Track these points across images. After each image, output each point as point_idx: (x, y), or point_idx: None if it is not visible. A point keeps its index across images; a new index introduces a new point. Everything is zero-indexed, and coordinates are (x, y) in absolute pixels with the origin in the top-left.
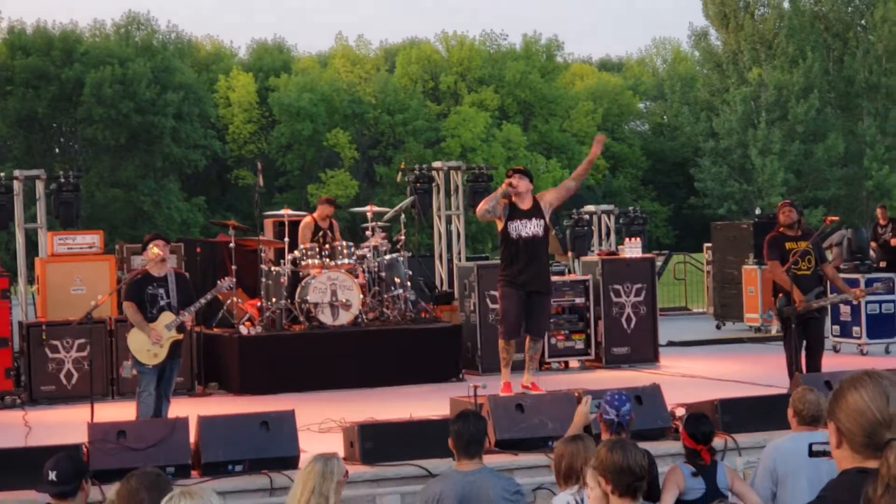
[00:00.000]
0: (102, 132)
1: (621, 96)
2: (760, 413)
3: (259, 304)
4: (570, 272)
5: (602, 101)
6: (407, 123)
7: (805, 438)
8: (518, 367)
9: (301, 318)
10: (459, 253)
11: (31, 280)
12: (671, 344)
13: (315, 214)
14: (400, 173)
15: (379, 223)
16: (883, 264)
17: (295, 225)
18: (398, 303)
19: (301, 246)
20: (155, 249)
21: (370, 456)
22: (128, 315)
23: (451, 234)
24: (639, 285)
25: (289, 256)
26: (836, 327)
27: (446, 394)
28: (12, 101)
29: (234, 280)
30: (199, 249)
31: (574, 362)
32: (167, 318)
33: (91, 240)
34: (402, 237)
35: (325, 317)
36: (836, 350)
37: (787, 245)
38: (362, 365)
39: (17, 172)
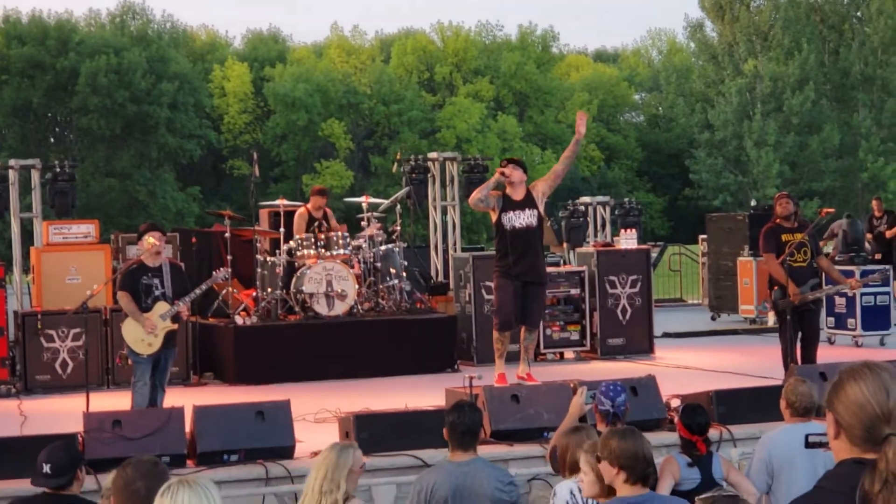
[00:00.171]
0: (98, 122)
1: (617, 87)
2: (756, 404)
3: (254, 294)
4: (565, 263)
5: (597, 93)
6: (402, 114)
7: (799, 430)
8: (512, 358)
9: (296, 309)
10: (455, 243)
11: (26, 269)
12: (666, 335)
13: (308, 206)
14: (396, 164)
15: (374, 214)
16: (878, 256)
17: (290, 215)
18: (393, 293)
19: (296, 236)
20: (151, 240)
21: (365, 446)
22: (122, 305)
23: (447, 225)
24: (634, 276)
25: (284, 246)
26: (832, 319)
27: (441, 384)
28: (8, 91)
29: (230, 270)
30: (194, 240)
31: (569, 353)
32: (162, 307)
33: (86, 229)
34: (398, 228)
35: (321, 307)
36: (831, 342)
37: (784, 237)
38: (357, 355)
39: (12, 162)
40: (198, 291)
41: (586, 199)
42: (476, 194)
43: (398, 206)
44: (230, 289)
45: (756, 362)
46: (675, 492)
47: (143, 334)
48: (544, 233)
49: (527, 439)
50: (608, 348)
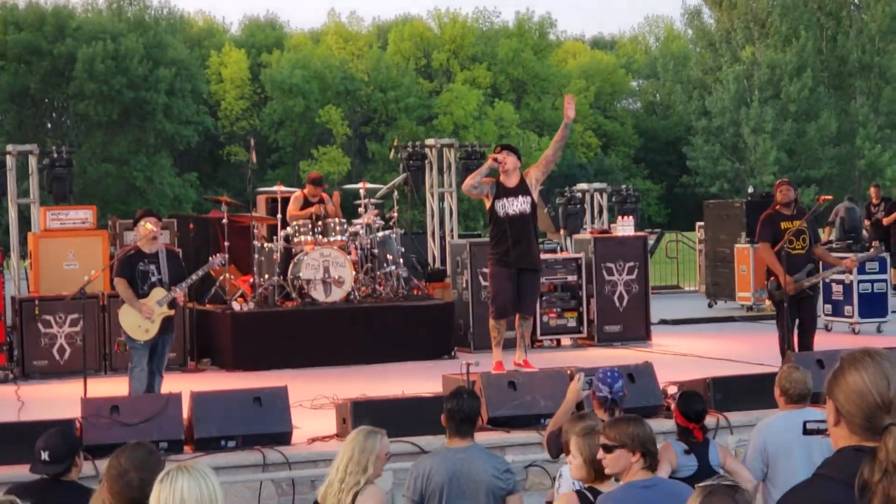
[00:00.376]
0: (94, 108)
1: (614, 75)
2: (752, 391)
3: (252, 280)
4: (562, 250)
5: (594, 80)
6: (399, 100)
7: (794, 417)
8: (509, 345)
9: (293, 295)
10: (452, 230)
11: (23, 255)
12: (663, 322)
13: (304, 191)
14: (393, 150)
15: (371, 200)
16: (876, 243)
17: (288, 201)
18: (390, 280)
19: (291, 221)
20: (148, 226)
21: None
22: (119, 291)
23: (444, 212)
24: (631, 263)
25: (281, 233)
26: (829, 306)
27: (438, 371)
28: (5, 77)
29: (227, 256)
30: (192, 226)
31: (566, 340)
32: (158, 293)
33: (84, 215)
34: (395, 214)
35: (318, 293)
36: (828, 329)
37: (783, 224)
38: (354, 342)
39: (9, 147)
40: (194, 277)
41: (583, 185)
42: (469, 180)
43: (395, 193)
44: (227, 275)
45: (753, 349)
46: (671, 479)
47: (139, 320)
48: (540, 220)
49: (524, 426)
50: (605, 335)
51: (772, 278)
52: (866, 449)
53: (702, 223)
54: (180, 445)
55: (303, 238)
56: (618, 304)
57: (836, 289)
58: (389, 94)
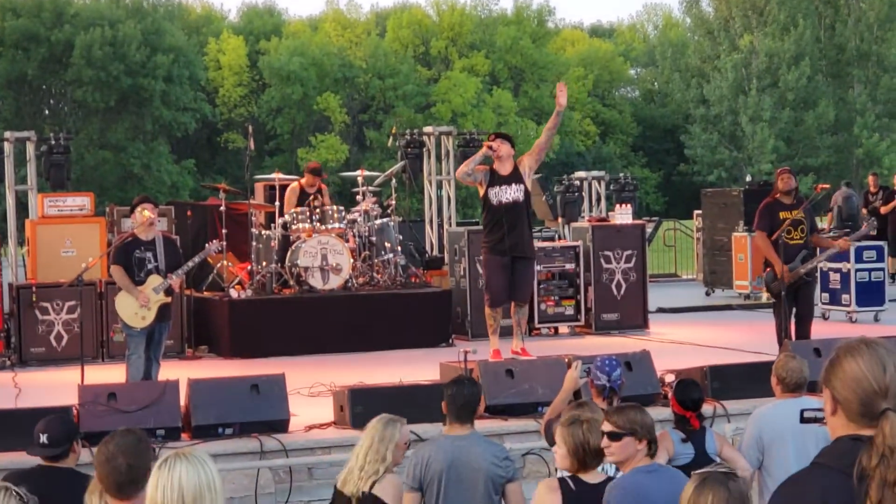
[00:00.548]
0: (92, 94)
1: (612, 63)
2: (749, 380)
3: (249, 267)
4: (560, 238)
5: (593, 67)
6: (397, 88)
7: (790, 405)
8: (506, 333)
9: (291, 282)
10: (450, 218)
11: (21, 242)
12: (661, 310)
13: (302, 181)
14: (391, 138)
15: (369, 188)
16: (873, 232)
17: (286, 189)
18: (388, 267)
19: (291, 210)
20: (145, 213)
21: (360, 420)
22: (115, 278)
23: (442, 199)
24: (629, 252)
25: (279, 220)
26: (826, 295)
27: (436, 359)
28: (2, 63)
29: (224, 243)
30: (189, 213)
31: (564, 328)
32: (155, 281)
33: (81, 202)
34: (393, 202)
35: (316, 281)
36: (825, 318)
37: (781, 214)
38: (352, 329)
39: (7, 134)
40: (190, 264)
41: (581, 174)
42: (463, 168)
43: (393, 181)
44: (225, 262)
45: (750, 338)
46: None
47: (136, 308)
48: (538, 207)
49: (521, 414)
50: (602, 323)
51: (768, 269)
52: (864, 438)
53: (699, 211)
54: (177, 433)
55: (301, 225)
56: (615, 292)
57: (834, 277)
58: (388, 82)
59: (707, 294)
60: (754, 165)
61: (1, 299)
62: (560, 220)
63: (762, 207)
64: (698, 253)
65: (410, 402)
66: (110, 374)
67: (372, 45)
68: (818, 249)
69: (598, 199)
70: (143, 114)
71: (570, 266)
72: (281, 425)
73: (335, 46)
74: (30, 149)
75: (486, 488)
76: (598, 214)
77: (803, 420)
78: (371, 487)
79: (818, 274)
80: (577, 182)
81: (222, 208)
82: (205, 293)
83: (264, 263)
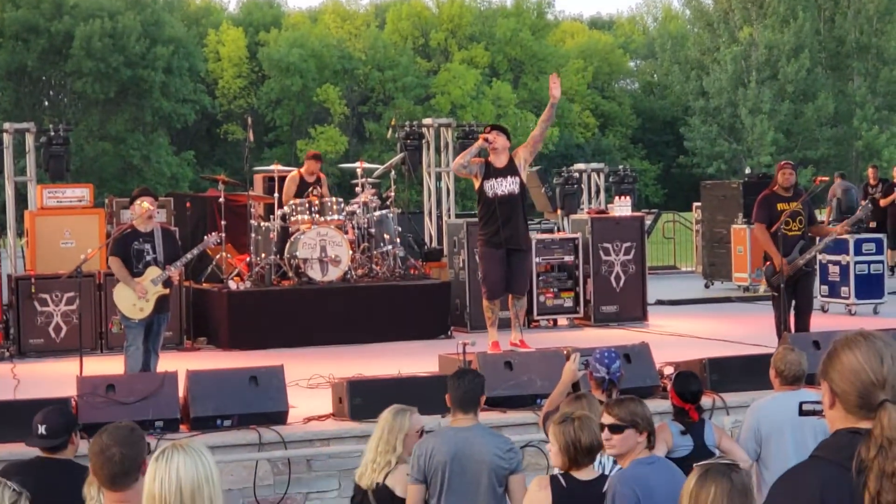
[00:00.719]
0: (92, 86)
1: (611, 55)
2: (748, 372)
3: (248, 259)
4: (559, 230)
5: (592, 60)
6: (397, 80)
7: (788, 398)
8: (504, 325)
9: (290, 274)
10: (449, 210)
11: (20, 233)
12: (660, 303)
13: (302, 169)
14: (390, 130)
15: (369, 179)
16: (873, 224)
17: (284, 181)
18: (387, 259)
19: (289, 201)
20: (145, 204)
21: (359, 412)
22: (113, 270)
23: (441, 191)
24: (628, 244)
25: (278, 212)
26: (825, 287)
27: (435, 351)
28: (2, 55)
29: (223, 235)
30: (189, 205)
31: (563, 320)
32: (153, 272)
33: (81, 193)
34: (392, 193)
35: (315, 272)
36: (824, 310)
37: (779, 206)
38: (351, 321)
39: (6, 125)
40: (189, 256)
41: (581, 166)
42: (459, 160)
43: (393, 172)
44: (224, 254)
45: (749, 330)
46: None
47: (134, 299)
48: (537, 199)
49: (520, 406)
50: (601, 315)
51: (767, 263)
52: (862, 431)
53: (699, 204)
54: (176, 424)
55: (300, 217)
56: (614, 284)
57: (833, 270)
58: (387, 74)
59: (706, 286)
60: (754, 158)
61: (0, 290)
62: (559, 212)
63: (760, 199)
64: (697, 245)
65: (409, 394)
66: (109, 365)
67: (371, 36)
68: (817, 239)
69: (598, 192)
70: (143, 105)
71: (569, 258)
72: (279, 417)
73: (335, 38)
74: (29, 140)
75: (489, 480)
76: (598, 206)
77: (802, 413)
78: (385, 479)
79: (817, 266)
80: (577, 174)
81: (221, 200)
82: (203, 285)
83: (263, 255)
